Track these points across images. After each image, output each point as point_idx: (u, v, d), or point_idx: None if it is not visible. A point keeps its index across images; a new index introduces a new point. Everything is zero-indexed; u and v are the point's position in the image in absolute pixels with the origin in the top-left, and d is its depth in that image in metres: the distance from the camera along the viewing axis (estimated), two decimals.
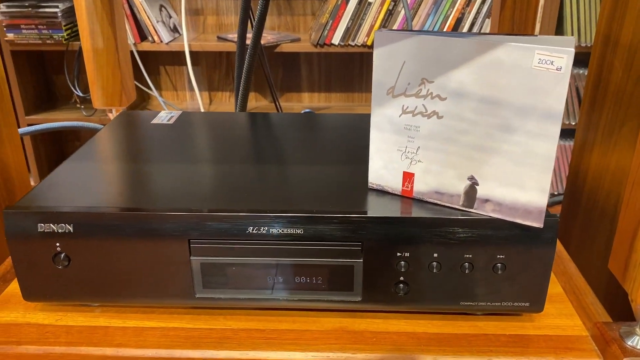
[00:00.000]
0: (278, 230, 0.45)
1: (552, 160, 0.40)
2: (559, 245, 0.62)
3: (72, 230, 0.45)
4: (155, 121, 0.67)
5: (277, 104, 1.21)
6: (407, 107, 0.45)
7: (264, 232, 0.45)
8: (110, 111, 0.90)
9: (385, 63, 0.44)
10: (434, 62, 0.42)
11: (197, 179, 0.52)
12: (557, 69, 0.38)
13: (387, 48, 0.44)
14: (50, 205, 0.46)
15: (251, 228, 0.45)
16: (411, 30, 0.43)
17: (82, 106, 1.58)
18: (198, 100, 1.57)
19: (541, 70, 0.38)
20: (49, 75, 1.69)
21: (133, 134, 0.64)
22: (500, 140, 0.42)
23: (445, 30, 1.51)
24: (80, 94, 1.58)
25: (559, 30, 1.55)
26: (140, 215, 0.45)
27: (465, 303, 0.47)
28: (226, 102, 1.64)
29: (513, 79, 0.40)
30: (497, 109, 0.41)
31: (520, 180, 0.42)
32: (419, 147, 0.45)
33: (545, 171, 0.41)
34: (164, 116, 0.69)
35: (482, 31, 1.54)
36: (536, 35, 0.41)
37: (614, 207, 0.63)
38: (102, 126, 0.81)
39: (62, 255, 0.46)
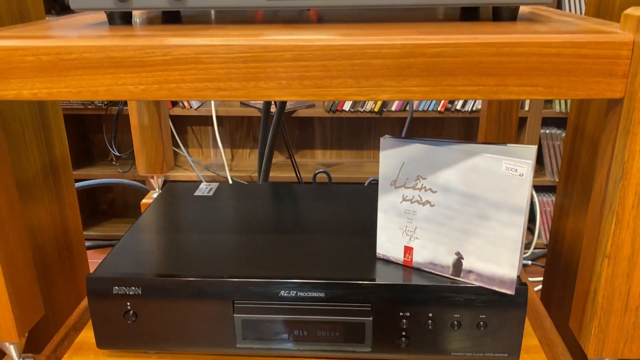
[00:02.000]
0: (304, 294, 0.55)
1: (519, 242, 0.51)
2: (537, 303, 0.72)
3: (140, 293, 0.56)
4: (197, 193, 0.78)
5: (295, 165, 1.33)
6: (407, 196, 0.55)
7: (293, 294, 0.55)
8: (152, 177, 1.02)
9: (389, 162, 0.55)
10: (426, 164, 0.53)
11: (237, 247, 0.62)
12: (520, 175, 0.49)
13: (390, 151, 0.55)
14: (123, 273, 0.57)
15: (283, 291, 0.55)
16: (409, 139, 0.54)
17: (118, 163, 1.71)
18: (222, 157, 1.69)
19: (508, 175, 0.49)
20: (88, 135, 1.83)
21: (181, 206, 0.75)
22: (479, 226, 0.52)
23: (440, 107, 1.63)
24: (117, 153, 1.72)
25: (548, 102, 1.67)
26: (194, 281, 0.55)
27: (456, 353, 0.56)
28: (246, 158, 1.77)
29: (487, 180, 0.50)
30: (476, 202, 0.52)
31: (496, 257, 0.52)
32: (416, 227, 0.56)
33: (514, 251, 0.51)
34: (204, 188, 0.80)
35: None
36: (506, 145, 0.52)
37: None
38: (144, 186, 0.92)
39: (131, 312, 0.56)
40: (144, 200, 1.02)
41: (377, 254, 0.60)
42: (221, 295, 0.55)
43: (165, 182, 0.98)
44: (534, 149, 0.51)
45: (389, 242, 0.58)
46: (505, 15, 0.51)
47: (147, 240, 0.65)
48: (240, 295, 0.55)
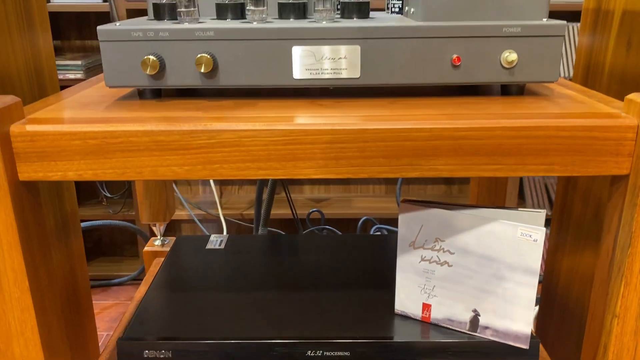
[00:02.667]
0: (330, 353, 0.57)
1: (533, 301, 0.54)
2: (543, 351, 0.75)
3: (170, 356, 0.57)
4: (209, 246, 0.80)
5: (291, 203, 1.35)
6: (425, 257, 0.59)
7: (319, 354, 0.57)
8: (154, 225, 1.03)
9: (408, 225, 0.58)
10: (444, 227, 0.57)
11: (259, 305, 0.64)
12: (534, 240, 0.53)
13: (408, 215, 0.58)
14: (154, 335, 0.58)
15: (310, 351, 0.57)
16: (427, 203, 0.57)
17: (108, 204, 1.70)
18: (213, 193, 1.71)
19: (523, 240, 0.53)
20: None
21: (197, 262, 0.76)
22: (495, 285, 0.56)
23: None
24: (108, 195, 1.71)
25: None
26: (220, 344, 0.57)
27: None
28: (235, 194, 1.79)
29: (503, 244, 0.54)
30: (492, 263, 0.55)
31: (511, 314, 0.56)
32: (434, 285, 0.59)
33: (528, 309, 0.55)
34: (215, 241, 0.82)
35: None
36: (517, 209, 0.56)
37: (582, 309, 0.77)
38: (144, 232, 0.93)
39: None
40: (146, 248, 1.03)
41: (396, 310, 0.62)
42: (251, 357, 0.57)
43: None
44: (543, 213, 0.55)
45: (408, 299, 0.61)
46: (514, 90, 0.55)
47: (171, 299, 0.66)
48: (269, 357, 0.57)
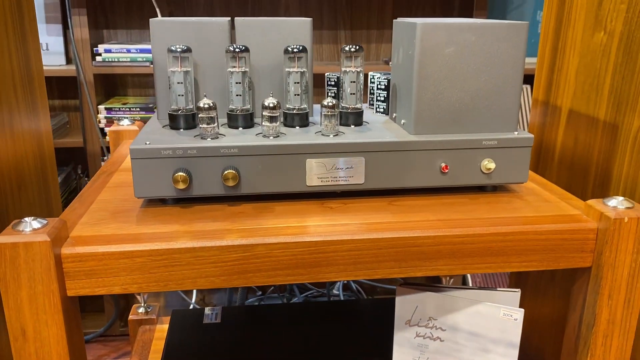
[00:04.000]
0: None
1: None
2: None
3: None
4: (206, 321, 0.84)
5: None
6: (419, 333, 0.66)
7: None
8: (139, 294, 1.05)
9: (404, 306, 0.66)
10: (437, 308, 0.64)
11: None
12: (514, 319, 0.61)
13: (405, 297, 0.65)
14: None
15: None
16: (422, 287, 0.65)
17: None
18: None
19: (505, 319, 0.62)
20: None
21: (200, 337, 0.79)
22: (481, 357, 0.64)
23: None
24: None
25: None
26: None
27: None
28: None
29: (488, 322, 0.62)
30: (479, 338, 0.63)
31: None
32: (428, 357, 0.67)
33: None
34: (210, 315, 0.86)
35: None
36: (496, 289, 0.65)
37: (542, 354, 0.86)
38: None
39: None
40: (131, 317, 1.04)
41: None
42: None
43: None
44: (518, 293, 0.64)
45: None
46: (490, 189, 0.65)
47: None
48: None
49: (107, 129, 1.45)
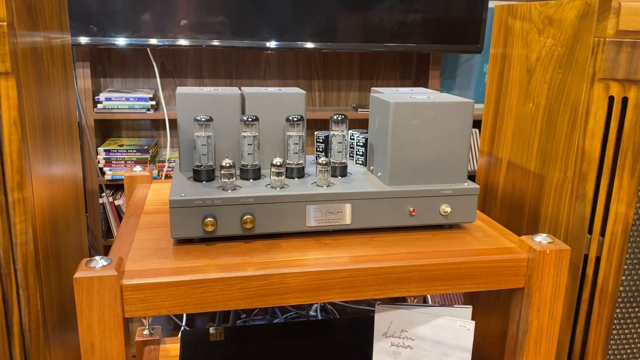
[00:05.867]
0: None
1: None
2: None
3: None
4: (212, 339, 0.96)
5: None
6: (394, 343, 0.80)
7: None
8: (145, 318, 1.15)
9: (381, 321, 0.80)
10: (408, 322, 0.79)
11: None
12: (467, 329, 0.76)
13: (382, 314, 0.80)
14: None
15: None
16: (397, 305, 0.80)
17: None
18: None
19: (460, 329, 0.77)
20: None
21: (212, 355, 0.91)
22: None
23: None
24: None
25: None
26: None
27: None
28: None
29: (448, 332, 0.77)
30: (441, 346, 0.78)
31: None
32: None
33: None
34: (214, 333, 0.98)
35: None
36: (452, 306, 0.80)
37: None
38: None
39: None
40: (137, 339, 1.15)
41: None
42: None
43: None
44: (470, 309, 0.80)
45: None
46: (447, 227, 0.80)
47: None
48: None
49: (105, 169, 1.55)
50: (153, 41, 1.45)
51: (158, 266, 0.66)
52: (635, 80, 0.70)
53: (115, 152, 1.55)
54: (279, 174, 0.75)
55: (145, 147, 1.58)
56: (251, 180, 0.78)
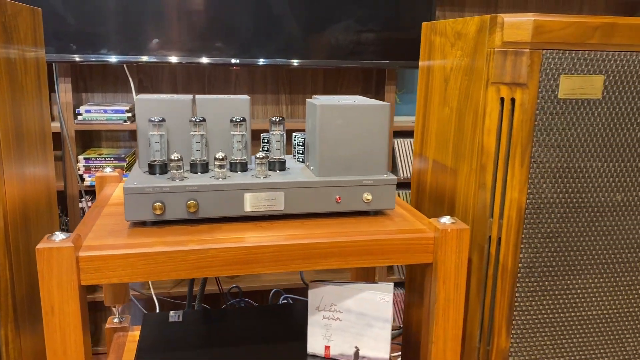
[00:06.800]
0: None
1: (389, 338, 0.88)
2: None
3: None
4: (171, 319, 1.05)
5: (219, 282, 1.61)
6: (325, 316, 0.90)
7: None
8: (114, 306, 1.24)
9: (315, 296, 0.90)
10: (337, 297, 0.89)
11: (216, 354, 0.91)
12: (387, 301, 0.87)
13: (315, 290, 0.90)
14: None
15: None
16: (327, 282, 0.90)
17: None
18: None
19: (381, 301, 0.87)
20: None
21: (170, 332, 1.01)
22: (367, 330, 0.88)
23: None
24: None
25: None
26: None
27: None
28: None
29: (370, 304, 0.88)
30: (365, 317, 0.88)
31: (376, 347, 0.88)
32: (331, 333, 0.91)
33: (386, 343, 0.88)
34: (173, 316, 1.07)
35: None
36: (377, 282, 0.90)
37: (420, 339, 1.11)
38: None
39: None
40: (108, 326, 1.24)
41: (308, 352, 0.93)
42: None
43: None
44: (391, 285, 0.90)
45: (315, 343, 0.92)
46: (371, 213, 0.91)
47: (157, 354, 0.91)
48: None
49: (85, 175, 1.66)
50: (127, 58, 1.56)
51: (112, 242, 0.76)
52: (519, 83, 0.81)
53: (94, 160, 1.65)
54: (221, 167, 0.85)
55: (122, 156, 1.69)
56: (199, 173, 0.88)
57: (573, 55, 0.81)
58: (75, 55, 1.52)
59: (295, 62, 1.67)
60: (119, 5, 1.53)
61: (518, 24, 0.80)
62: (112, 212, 0.91)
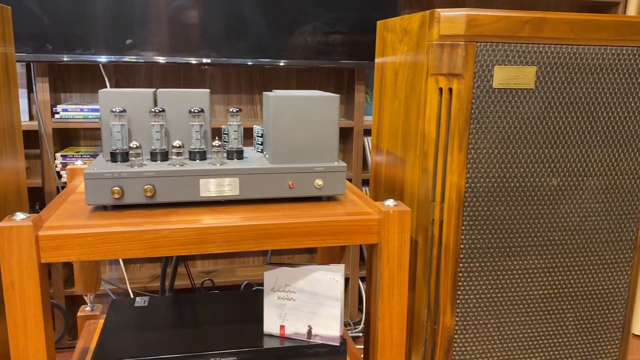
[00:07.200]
0: (225, 359, 0.90)
1: (340, 316, 0.92)
2: (356, 352, 1.13)
3: None
4: (137, 304, 1.09)
5: (190, 275, 1.65)
6: (280, 296, 0.95)
7: None
8: (86, 295, 1.28)
9: (270, 278, 0.95)
10: (290, 278, 0.94)
11: (175, 335, 0.95)
12: (336, 281, 0.91)
13: (270, 272, 0.94)
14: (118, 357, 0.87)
15: (212, 359, 0.89)
16: (281, 265, 0.94)
17: None
18: (122, 271, 1.94)
19: (332, 281, 0.92)
20: None
21: (134, 315, 1.05)
22: (319, 309, 0.93)
23: None
24: None
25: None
26: (156, 358, 0.88)
27: None
28: (137, 271, 2.03)
29: (322, 284, 0.92)
30: (317, 296, 0.93)
31: (328, 325, 0.93)
32: (286, 313, 0.95)
33: (337, 322, 0.92)
34: (140, 301, 1.11)
35: None
36: (329, 265, 0.95)
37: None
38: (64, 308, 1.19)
39: None
40: (80, 314, 1.27)
41: (264, 331, 0.97)
42: None
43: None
44: (342, 266, 0.95)
45: (271, 323, 0.96)
46: (324, 199, 0.96)
47: (122, 334, 0.95)
48: None
49: (62, 172, 1.69)
50: (102, 59, 1.61)
51: (72, 223, 0.80)
52: (455, 74, 0.87)
53: (71, 158, 1.69)
54: (178, 154, 0.90)
55: (99, 153, 1.73)
56: (159, 161, 0.93)
57: (506, 47, 0.86)
58: (51, 55, 1.56)
59: (266, 62, 1.72)
60: (95, 6, 1.58)
61: (452, 18, 0.85)
62: (77, 199, 0.95)
